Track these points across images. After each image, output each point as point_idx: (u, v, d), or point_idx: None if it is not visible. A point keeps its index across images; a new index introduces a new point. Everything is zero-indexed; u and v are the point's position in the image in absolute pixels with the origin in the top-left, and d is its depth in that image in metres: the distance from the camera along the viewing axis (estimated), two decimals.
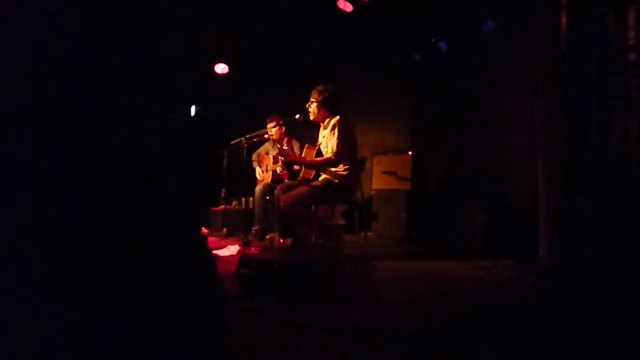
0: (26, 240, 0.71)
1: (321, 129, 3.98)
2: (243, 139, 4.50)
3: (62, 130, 0.80)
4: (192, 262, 0.95)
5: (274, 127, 4.84)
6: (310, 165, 3.87)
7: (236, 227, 5.11)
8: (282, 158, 4.20)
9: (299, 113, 4.10)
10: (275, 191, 4.00)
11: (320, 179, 3.88)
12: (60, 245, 0.73)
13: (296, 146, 4.91)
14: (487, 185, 4.72)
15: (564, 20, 3.25)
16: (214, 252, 3.87)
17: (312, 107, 3.84)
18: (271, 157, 4.96)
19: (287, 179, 4.29)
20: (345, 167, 3.77)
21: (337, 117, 3.81)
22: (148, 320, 0.79)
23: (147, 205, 0.88)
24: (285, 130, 4.98)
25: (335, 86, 3.87)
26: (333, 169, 3.80)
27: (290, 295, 2.44)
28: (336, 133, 3.69)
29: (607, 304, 2.42)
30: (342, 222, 5.41)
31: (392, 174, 5.09)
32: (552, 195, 3.35)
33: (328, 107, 3.81)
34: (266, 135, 4.86)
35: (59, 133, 0.79)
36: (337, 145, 3.66)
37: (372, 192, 5.24)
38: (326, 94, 3.78)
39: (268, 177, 4.95)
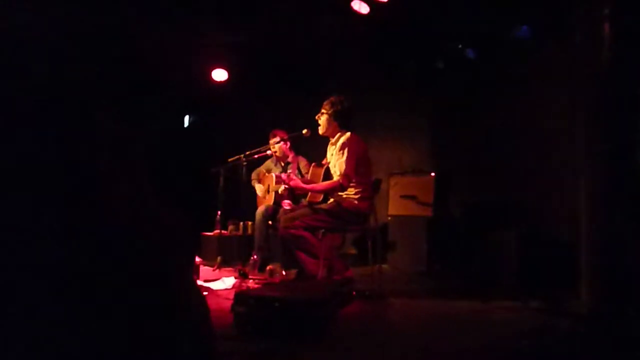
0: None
1: (329, 144, 4.02)
2: (243, 155, 4.53)
3: (38, 130, 0.83)
4: (178, 298, 0.96)
5: (278, 143, 4.87)
6: (315, 191, 3.89)
7: (232, 256, 5.13)
8: (284, 186, 4.14)
9: (306, 127, 4.13)
10: (278, 215, 4.01)
11: (328, 201, 3.89)
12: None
13: (302, 164, 4.95)
14: (520, 213, 4.72)
15: (606, 30, 3.27)
16: (207, 284, 3.88)
17: (322, 120, 3.90)
18: (273, 177, 4.97)
19: (290, 207, 4.00)
20: (358, 189, 3.79)
21: (348, 133, 3.85)
22: None
23: (123, 227, 0.89)
24: (291, 147, 5.02)
25: (350, 99, 3.91)
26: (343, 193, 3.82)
27: (292, 338, 2.43)
28: (346, 152, 3.72)
29: None
30: (353, 252, 5.41)
31: (412, 197, 5.11)
32: (596, 227, 3.32)
33: (339, 121, 3.87)
34: (269, 152, 4.89)
35: (34, 133, 0.82)
36: (347, 167, 3.67)
37: (388, 218, 5.26)
38: (339, 107, 3.84)
39: (270, 199, 4.97)
